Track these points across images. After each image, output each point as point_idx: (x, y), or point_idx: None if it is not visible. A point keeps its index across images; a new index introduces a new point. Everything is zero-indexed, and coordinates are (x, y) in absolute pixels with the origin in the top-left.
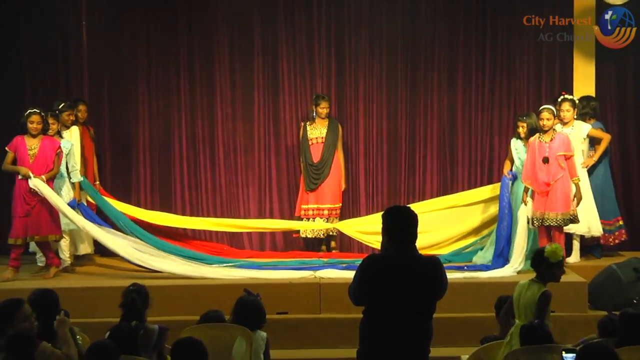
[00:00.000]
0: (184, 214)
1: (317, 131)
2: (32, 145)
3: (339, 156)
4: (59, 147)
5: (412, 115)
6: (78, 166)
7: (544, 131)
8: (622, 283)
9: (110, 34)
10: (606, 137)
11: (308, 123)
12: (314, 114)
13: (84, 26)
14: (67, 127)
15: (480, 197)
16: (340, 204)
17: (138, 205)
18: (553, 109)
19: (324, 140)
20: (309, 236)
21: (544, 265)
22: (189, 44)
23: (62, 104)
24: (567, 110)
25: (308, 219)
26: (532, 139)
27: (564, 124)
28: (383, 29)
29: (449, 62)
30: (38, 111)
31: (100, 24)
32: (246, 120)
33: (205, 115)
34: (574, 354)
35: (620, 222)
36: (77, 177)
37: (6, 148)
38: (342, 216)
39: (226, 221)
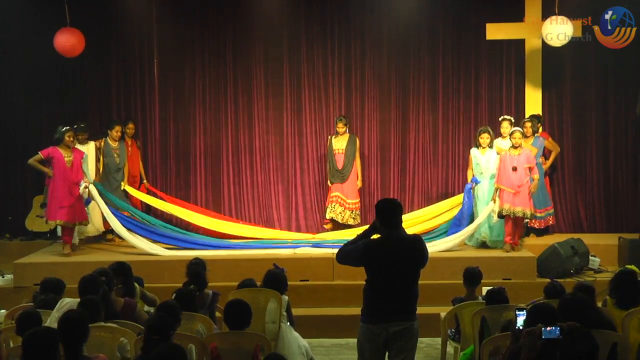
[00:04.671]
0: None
1: (339, 144)
2: (66, 154)
3: (357, 163)
4: (84, 155)
5: (402, 130)
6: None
7: (513, 146)
8: (562, 257)
9: (174, 67)
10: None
11: (333, 137)
12: (337, 131)
13: (155, 63)
14: (82, 144)
15: (442, 209)
16: (358, 199)
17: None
18: (520, 129)
19: (344, 151)
20: (336, 219)
21: None
22: (234, 76)
23: (82, 124)
24: (506, 127)
25: (334, 204)
26: (503, 152)
27: (503, 137)
28: (382, 65)
29: (431, 89)
30: (69, 128)
31: (167, 60)
32: (277, 133)
33: (246, 130)
34: (525, 312)
35: (545, 212)
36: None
37: (39, 152)
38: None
39: (244, 228)
